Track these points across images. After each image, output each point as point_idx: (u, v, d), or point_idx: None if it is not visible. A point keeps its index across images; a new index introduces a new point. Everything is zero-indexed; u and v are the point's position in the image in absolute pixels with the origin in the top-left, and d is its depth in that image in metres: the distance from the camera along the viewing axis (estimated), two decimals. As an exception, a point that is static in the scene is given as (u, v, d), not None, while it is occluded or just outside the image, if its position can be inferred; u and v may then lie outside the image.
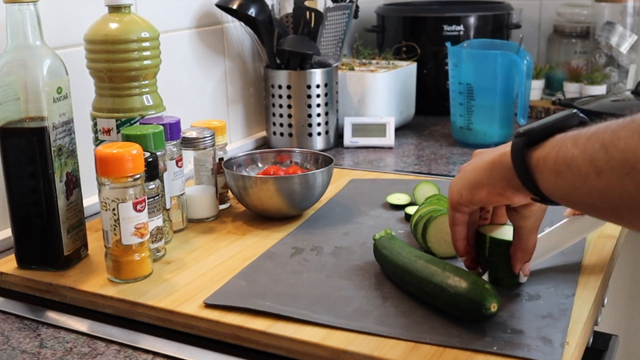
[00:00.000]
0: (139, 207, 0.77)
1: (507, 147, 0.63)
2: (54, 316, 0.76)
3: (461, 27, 1.64)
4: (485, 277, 0.75)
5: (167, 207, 0.89)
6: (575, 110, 0.61)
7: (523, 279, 0.74)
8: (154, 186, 0.82)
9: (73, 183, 0.84)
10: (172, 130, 0.89)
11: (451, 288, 0.67)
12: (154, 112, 0.93)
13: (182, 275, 0.80)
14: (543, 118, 0.64)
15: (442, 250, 0.83)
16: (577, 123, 0.60)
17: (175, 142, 0.90)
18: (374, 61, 1.59)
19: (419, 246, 0.85)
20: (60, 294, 0.79)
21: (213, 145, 0.99)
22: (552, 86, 1.75)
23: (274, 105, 1.38)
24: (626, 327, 1.50)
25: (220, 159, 1.01)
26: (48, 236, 0.81)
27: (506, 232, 0.74)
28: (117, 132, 0.90)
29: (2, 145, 0.80)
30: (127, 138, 0.82)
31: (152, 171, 0.82)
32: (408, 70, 1.55)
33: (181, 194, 0.94)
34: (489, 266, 0.75)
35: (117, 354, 0.68)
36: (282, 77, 1.36)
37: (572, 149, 0.55)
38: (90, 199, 1.01)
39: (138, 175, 0.77)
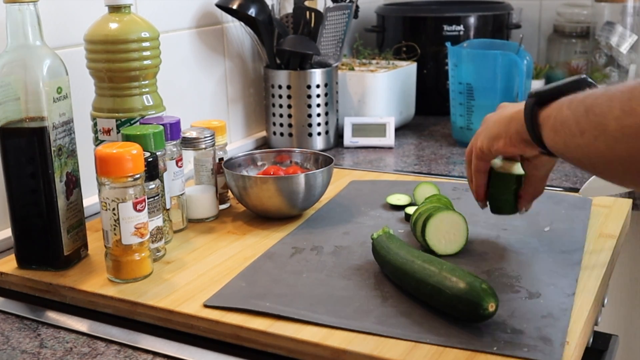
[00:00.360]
0: (139, 207, 0.77)
1: (517, 108, 0.73)
2: (54, 316, 0.76)
3: (461, 27, 1.64)
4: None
5: (167, 207, 0.89)
6: (584, 76, 0.68)
7: (523, 212, 0.84)
8: (154, 186, 0.82)
9: (73, 183, 0.84)
10: (172, 130, 0.89)
11: (448, 289, 0.67)
12: (154, 112, 0.93)
13: (182, 275, 0.80)
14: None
15: (441, 247, 0.83)
16: (585, 88, 0.65)
17: (175, 142, 0.90)
18: (374, 61, 1.59)
19: (418, 244, 0.85)
20: (60, 294, 0.79)
21: (213, 145, 0.99)
22: (552, 86, 1.75)
23: (274, 105, 1.38)
24: (626, 327, 1.50)
25: (220, 159, 1.01)
26: (48, 236, 0.81)
27: (510, 167, 0.82)
28: (117, 132, 0.90)
29: (2, 145, 0.80)
30: (127, 138, 0.82)
31: (152, 171, 0.82)
32: (408, 70, 1.55)
33: (181, 194, 0.94)
34: (491, 197, 0.84)
35: (117, 354, 0.68)
36: (282, 77, 1.36)
37: (566, 110, 0.63)
38: (90, 199, 1.01)
39: (138, 175, 0.77)
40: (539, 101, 0.67)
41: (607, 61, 1.64)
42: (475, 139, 0.81)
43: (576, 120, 0.60)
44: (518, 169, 0.82)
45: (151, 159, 0.81)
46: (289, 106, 1.37)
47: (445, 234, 0.82)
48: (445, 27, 1.64)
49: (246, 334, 0.69)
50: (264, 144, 1.45)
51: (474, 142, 0.81)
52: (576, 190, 1.11)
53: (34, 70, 0.78)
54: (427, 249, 0.82)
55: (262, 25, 1.33)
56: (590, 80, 0.67)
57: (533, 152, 0.74)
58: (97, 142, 0.93)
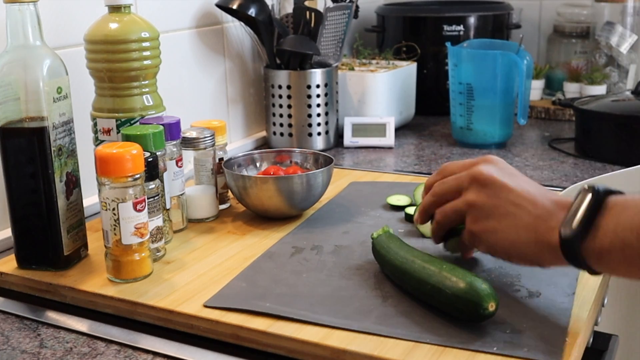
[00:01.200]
0: (139, 207, 0.77)
1: (545, 236, 0.64)
2: (54, 316, 0.76)
3: (461, 27, 1.64)
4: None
5: (167, 207, 0.89)
6: (595, 188, 0.62)
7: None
8: (154, 186, 0.82)
9: (73, 183, 0.84)
10: (172, 130, 0.89)
11: (448, 289, 0.67)
12: (154, 112, 0.93)
13: (182, 275, 0.80)
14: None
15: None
16: (605, 196, 0.61)
17: (175, 142, 0.90)
18: (374, 61, 1.59)
19: (418, 245, 0.85)
20: (60, 294, 0.79)
21: (213, 145, 0.99)
22: (552, 86, 1.75)
23: (274, 105, 1.38)
24: (626, 327, 1.50)
25: (220, 159, 1.01)
26: (48, 236, 0.81)
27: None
28: (117, 132, 0.90)
29: (2, 145, 0.80)
30: (127, 138, 0.82)
31: (152, 171, 0.82)
32: (408, 70, 1.55)
33: (181, 194, 0.94)
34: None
35: (117, 354, 0.68)
36: (282, 77, 1.36)
37: (638, 243, 0.57)
38: (90, 199, 1.01)
39: (138, 175, 0.77)
40: (580, 239, 0.61)
41: (607, 61, 1.65)
42: (478, 237, 0.71)
43: None
44: None
45: (151, 159, 0.81)
46: (289, 106, 1.37)
47: None
48: (445, 27, 1.64)
49: (246, 334, 0.69)
50: (264, 144, 1.45)
51: (475, 237, 0.71)
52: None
53: (34, 70, 0.78)
54: (421, 235, 0.85)
55: (262, 25, 1.33)
56: (602, 188, 0.62)
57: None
58: (97, 142, 0.93)
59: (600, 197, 0.61)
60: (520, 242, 0.67)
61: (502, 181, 0.69)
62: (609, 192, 0.62)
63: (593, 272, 0.63)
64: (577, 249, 0.61)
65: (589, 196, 0.62)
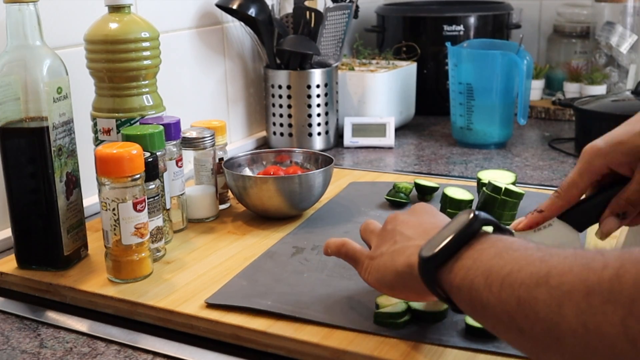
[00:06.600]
0: (139, 207, 0.77)
1: (411, 257, 0.58)
2: (54, 316, 0.76)
3: (461, 27, 1.64)
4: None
5: (167, 207, 0.89)
6: (474, 214, 0.54)
7: None
8: (154, 186, 0.82)
9: (73, 183, 0.84)
10: (172, 130, 0.89)
11: None
12: (154, 112, 0.93)
13: (182, 275, 0.80)
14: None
15: None
16: (479, 227, 0.54)
17: (175, 142, 0.90)
18: (374, 61, 1.59)
19: None
20: (60, 294, 0.79)
21: (213, 145, 0.99)
22: (552, 86, 1.75)
23: (274, 105, 1.38)
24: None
25: (220, 159, 1.01)
26: (48, 236, 0.81)
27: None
28: (117, 132, 0.90)
29: (2, 145, 0.80)
30: (127, 138, 0.82)
31: (152, 171, 0.82)
32: (408, 70, 1.55)
33: (181, 194, 0.94)
34: None
35: (117, 354, 0.68)
36: (282, 77, 1.36)
37: (486, 293, 0.49)
38: (90, 199, 1.01)
39: (138, 175, 0.77)
40: (436, 266, 0.53)
41: (607, 61, 1.65)
42: (368, 277, 0.65)
43: (509, 314, 0.47)
44: None
45: (151, 159, 0.81)
46: (289, 106, 1.37)
47: None
48: (445, 27, 1.64)
49: (246, 334, 0.69)
50: (264, 144, 1.45)
51: (369, 280, 0.65)
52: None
53: (34, 70, 0.78)
54: None
55: (262, 25, 1.33)
56: (483, 217, 0.54)
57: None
58: (97, 142, 0.93)
59: (475, 226, 0.53)
60: (390, 272, 0.61)
61: (400, 218, 0.65)
62: (488, 224, 0.54)
63: (454, 307, 0.54)
64: (432, 274, 0.54)
65: (464, 221, 0.54)
